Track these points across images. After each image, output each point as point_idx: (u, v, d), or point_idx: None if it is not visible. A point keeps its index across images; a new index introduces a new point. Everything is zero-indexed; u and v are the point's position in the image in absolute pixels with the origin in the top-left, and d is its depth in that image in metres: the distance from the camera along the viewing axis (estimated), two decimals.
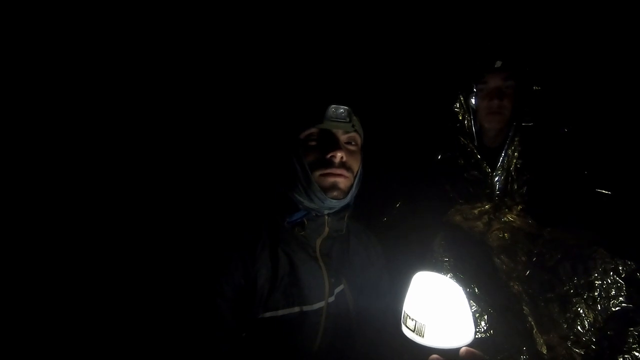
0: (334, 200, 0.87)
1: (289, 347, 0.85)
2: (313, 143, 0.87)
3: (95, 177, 1.38)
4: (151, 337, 0.91)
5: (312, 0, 1.57)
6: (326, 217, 0.90)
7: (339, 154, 0.85)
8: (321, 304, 0.88)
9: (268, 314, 0.84)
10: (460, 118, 1.32)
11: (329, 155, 0.85)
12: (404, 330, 0.69)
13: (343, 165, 0.87)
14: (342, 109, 0.87)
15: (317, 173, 0.86)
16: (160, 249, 1.25)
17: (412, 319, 0.68)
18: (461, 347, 0.65)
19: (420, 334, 0.66)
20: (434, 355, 0.65)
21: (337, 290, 0.92)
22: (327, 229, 0.91)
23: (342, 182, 0.87)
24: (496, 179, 1.29)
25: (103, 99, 1.42)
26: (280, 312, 0.84)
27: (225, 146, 1.45)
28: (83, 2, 1.37)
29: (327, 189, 0.85)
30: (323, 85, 0.96)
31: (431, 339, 0.66)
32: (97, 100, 1.41)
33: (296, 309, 0.85)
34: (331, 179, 0.86)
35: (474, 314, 1.11)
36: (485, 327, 1.09)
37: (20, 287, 1.24)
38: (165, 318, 0.86)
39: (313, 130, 0.87)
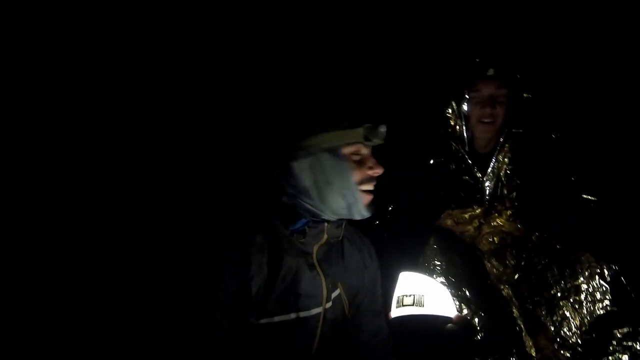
0: (369, 215, 0.88)
1: (285, 353, 0.85)
2: (357, 158, 0.86)
3: (90, 181, 1.35)
4: (150, 345, 0.89)
5: (309, 7, 1.57)
6: (326, 225, 0.90)
7: (379, 171, 0.87)
8: (319, 309, 0.88)
9: (263, 321, 0.83)
10: (452, 124, 1.34)
11: (373, 172, 0.86)
12: (399, 312, 0.70)
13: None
14: (384, 128, 0.87)
15: (361, 189, 0.86)
16: (153, 254, 1.23)
17: (410, 295, 0.70)
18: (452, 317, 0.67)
19: (420, 304, 0.68)
20: (450, 324, 0.66)
21: (334, 295, 0.92)
22: (325, 235, 0.90)
23: (373, 197, 0.89)
24: (486, 184, 1.31)
25: (101, 101, 1.38)
26: (276, 319, 0.83)
27: (225, 152, 1.43)
28: (83, 2, 1.34)
29: (367, 205, 0.87)
30: (370, 101, 0.95)
31: (432, 307, 0.68)
32: (94, 102, 1.38)
33: (292, 316, 0.85)
34: (370, 197, 0.87)
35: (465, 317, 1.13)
36: (476, 330, 1.11)
37: (16, 287, 1.20)
38: (163, 326, 0.84)
39: (360, 146, 0.86)
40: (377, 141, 0.87)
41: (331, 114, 0.86)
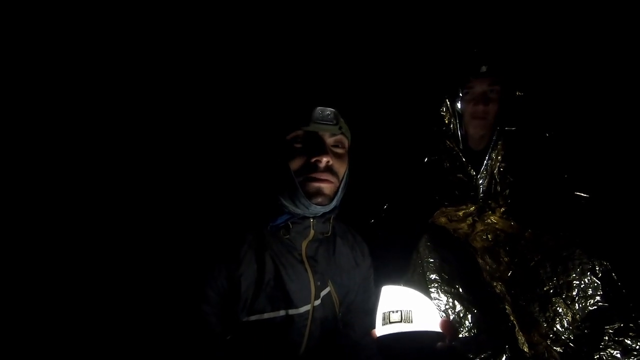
0: (319, 207, 0.85)
1: (275, 350, 0.85)
2: (299, 146, 0.85)
3: (83, 179, 1.35)
4: (139, 338, 0.89)
5: (302, 3, 1.57)
6: (311, 220, 0.89)
7: (324, 159, 0.84)
8: (307, 307, 0.88)
9: (253, 318, 0.83)
10: (446, 122, 1.35)
11: (314, 160, 0.83)
12: (387, 330, 0.67)
13: (329, 169, 0.85)
14: (328, 111, 0.85)
15: (302, 177, 0.84)
16: (145, 253, 1.23)
17: (396, 311, 0.67)
18: (441, 332, 0.66)
19: (408, 320, 0.66)
20: (440, 343, 0.64)
21: (323, 293, 0.91)
22: (312, 231, 0.90)
23: (327, 188, 0.85)
24: (480, 181, 1.32)
25: (90, 102, 1.39)
26: (266, 316, 0.84)
27: (208, 150, 1.43)
28: (83, 2, 1.35)
29: (311, 195, 0.83)
30: (309, 87, 0.94)
31: (421, 322, 0.66)
32: (84, 102, 1.38)
33: (282, 313, 0.85)
34: (316, 185, 0.84)
35: (458, 313, 1.14)
36: (469, 326, 1.11)
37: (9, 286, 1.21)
38: (156, 327, 0.84)
39: (299, 132, 0.85)
40: (317, 126, 0.84)
41: (275, 103, 0.85)
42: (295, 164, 0.84)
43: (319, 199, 0.84)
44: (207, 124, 1.46)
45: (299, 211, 0.86)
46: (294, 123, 0.86)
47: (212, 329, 0.81)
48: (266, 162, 0.89)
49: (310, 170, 0.84)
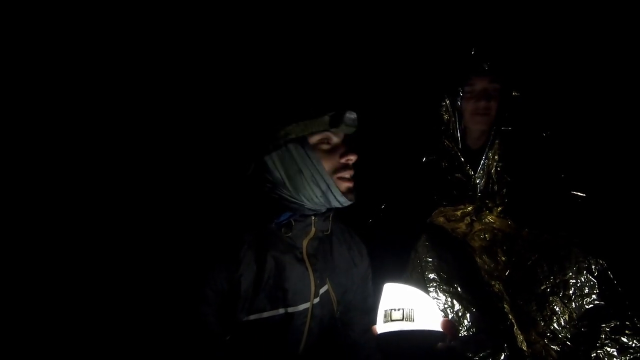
0: (349, 202, 0.91)
1: (275, 349, 0.85)
2: (327, 147, 0.89)
3: (81, 179, 1.34)
4: (142, 348, 0.88)
5: (305, 5, 1.57)
6: (313, 218, 0.90)
7: (354, 158, 0.89)
8: (306, 305, 0.88)
9: (253, 317, 0.83)
10: (445, 121, 1.35)
11: (345, 159, 0.89)
12: (388, 328, 0.67)
13: (354, 167, 0.92)
14: (354, 115, 0.89)
15: (335, 177, 0.88)
16: (142, 255, 1.22)
17: (398, 309, 0.67)
18: (441, 332, 0.66)
19: (410, 319, 0.66)
20: (440, 343, 0.65)
21: (322, 291, 0.92)
22: (313, 229, 0.91)
23: (353, 185, 0.92)
24: (478, 181, 1.32)
25: (79, 107, 1.38)
26: (265, 315, 0.84)
27: (207, 150, 1.43)
28: (82, 2, 1.34)
29: (345, 193, 0.89)
30: (334, 90, 0.95)
31: (422, 321, 0.66)
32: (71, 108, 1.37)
33: (281, 311, 0.85)
34: (348, 184, 0.90)
35: (456, 312, 1.14)
36: (468, 325, 1.12)
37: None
38: (155, 328, 0.84)
39: (328, 134, 0.89)
40: (346, 128, 0.87)
41: (296, 105, 0.88)
42: (329, 164, 0.88)
43: (351, 196, 0.90)
44: (206, 125, 1.46)
45: (309, 205, 0.89)
46: (325, 125, 0.88)
47: (211, 329, 0.81)
48: (286, 162, 0.89)
49: (343, 169, 0.89)
